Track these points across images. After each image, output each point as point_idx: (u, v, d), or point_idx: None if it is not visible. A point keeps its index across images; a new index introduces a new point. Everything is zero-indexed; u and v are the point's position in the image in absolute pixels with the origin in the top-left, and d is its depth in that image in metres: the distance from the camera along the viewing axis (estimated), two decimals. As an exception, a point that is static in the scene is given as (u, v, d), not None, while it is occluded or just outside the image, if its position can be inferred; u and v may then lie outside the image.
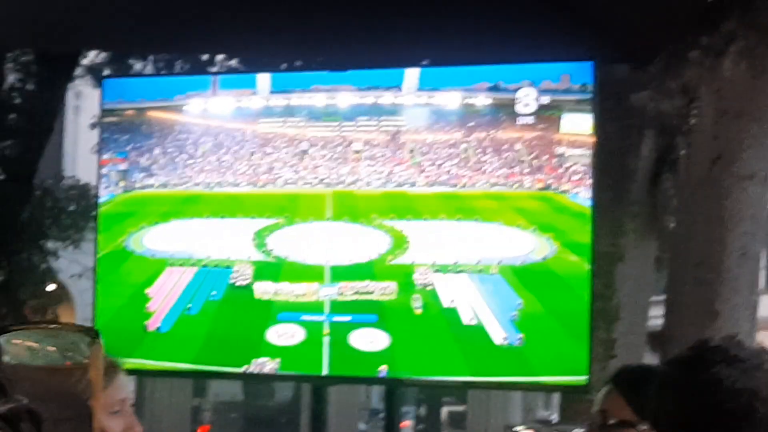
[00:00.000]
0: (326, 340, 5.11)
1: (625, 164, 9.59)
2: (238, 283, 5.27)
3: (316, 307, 5.15)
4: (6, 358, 0.73)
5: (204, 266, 5.35)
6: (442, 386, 9.98)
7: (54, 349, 0.82)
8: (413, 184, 5.09)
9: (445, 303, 4.97)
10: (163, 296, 5.36)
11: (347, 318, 5.11)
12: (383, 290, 5.07)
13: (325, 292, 5.16)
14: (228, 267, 5.30)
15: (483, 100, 4.93)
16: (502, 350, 4.90)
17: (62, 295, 17.66)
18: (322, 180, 5.20)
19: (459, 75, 4.95)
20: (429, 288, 5.00)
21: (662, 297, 9.08)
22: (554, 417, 12.30)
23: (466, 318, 4.94)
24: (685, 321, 8.62)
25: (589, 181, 4.87)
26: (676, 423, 2.46)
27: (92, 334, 0.82)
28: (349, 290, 5.11)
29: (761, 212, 8.96)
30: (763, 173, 8.91)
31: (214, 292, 5.31)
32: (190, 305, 5.32)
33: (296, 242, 5.30)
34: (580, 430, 2.97)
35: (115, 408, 3.42)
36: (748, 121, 8.68)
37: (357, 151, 5.14)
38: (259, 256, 5.30)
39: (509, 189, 4.94)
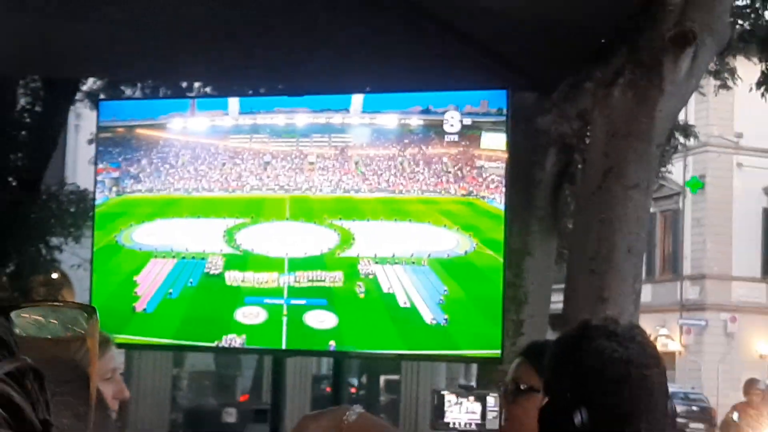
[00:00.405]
0: (285, 319, 5.09)
1: (532, 175, 9.60)
2: (211, 272, 5.25)
3: (276, 292, 5.14)
4: (16, 330, 0.72)
5: (183, 258, 5.33)
6: (381, 358, 9.97)
7: (57, 323, 0.80)
8: (358, 191, 5.08)
9: (384, 289, 4.97)
10: (149, 283, 5.33)
11: (302, 301, 5.10)
12: (332, 278, 5.06)
13: (284, 280, 5.14)
14: (203, 258, 5.28)
15: (416, 121, 4.93)
16: (431, 328, 4.90)
17: (64, 282, 17.52)
18: (282, 186, 5.18)
19: (396, 100, 4.95)
20: (370, 276, 5.00)
21: (562, 285, 9.12)
22: (473, 384, 12.32)
23: (401, 301, 4.94)
24: (581, 305, 8.67)
25: (503, 189, 4.88)
26: (566, 390, 2.50)
27: (90, 310, 0.81)
28: (303, 278, 5.10)
29: (644, 215, 9.04)
30: (645, 183, 8.99)
31: (191, 280, 5.29)
32: (171, 290, 5.30)
33: (260, 238, 5.28)
34: (494, 395, 2.97)
35: (108, 375, 3.40)
36: (633, 141, 8.74)
37: (311, 163, 5.13)
38: (229, 250, 5.28)
39: (437, 195, 4.95)
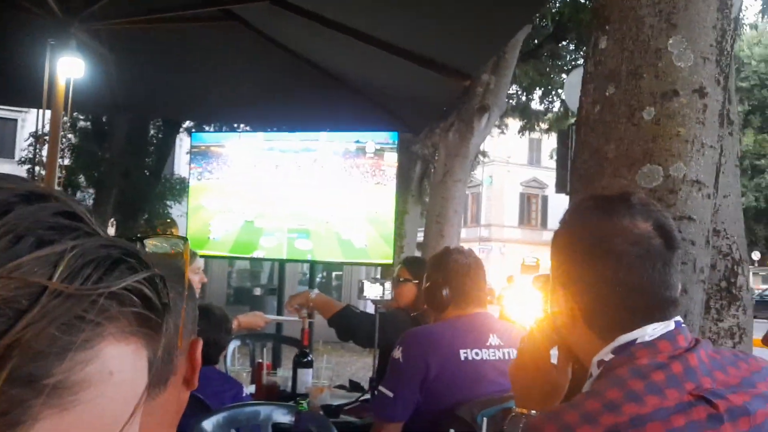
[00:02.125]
0: (285, 243, 5.02)
1: (409, 175, 9.59)
2: (247, 219, 5.14)
3: (281, 230, 5.06)
4: (146, 250, 0.67)
5: (233, 212, 5.20)
6: (333, 263, 9.92)
7: (168, 245, 0.76)
8: (322, 180, 5.00)
9: (335, 230, 4.93)
10: (216, 224, 5.20)
11: (294, 235, 5.03)
12: (310, 223, 5.00)
13: (286, 224, 5.05)
14: (243, 212, 5.17)
15: (352, 146, 4.86)
16: (359, 249, 4.88)
17: (173, 224, 17.08)
18: (285, 176, 5.09)
19: (342, 135, 4.88)
20: (329, 224, 4.95)
21: (422, 229, 9.20)
22: (378, 276, 12.33)
23: (344, 236, 4.90)
24: (431, 239, 8.71)
25: (395, 180, 4.86)
26: (439, 278, 2.50)
27: (185, 239, 0.76)
28: (295, 223, 5.03)
29: (463, 195, 9.07)
30: (464, 179, 9.02)
31: (237, 223, 5.18)
32: (227, 228, 5.18)
33: (273, 202, 5.17)
34: (389, 281, 2.98)
35: (195, 271, 3.30)
36: (458, 158, 8.77)
37: (299, 166, 5.04)
38: (257, 207, 5.17)
39: (363, 184, 4.90)
